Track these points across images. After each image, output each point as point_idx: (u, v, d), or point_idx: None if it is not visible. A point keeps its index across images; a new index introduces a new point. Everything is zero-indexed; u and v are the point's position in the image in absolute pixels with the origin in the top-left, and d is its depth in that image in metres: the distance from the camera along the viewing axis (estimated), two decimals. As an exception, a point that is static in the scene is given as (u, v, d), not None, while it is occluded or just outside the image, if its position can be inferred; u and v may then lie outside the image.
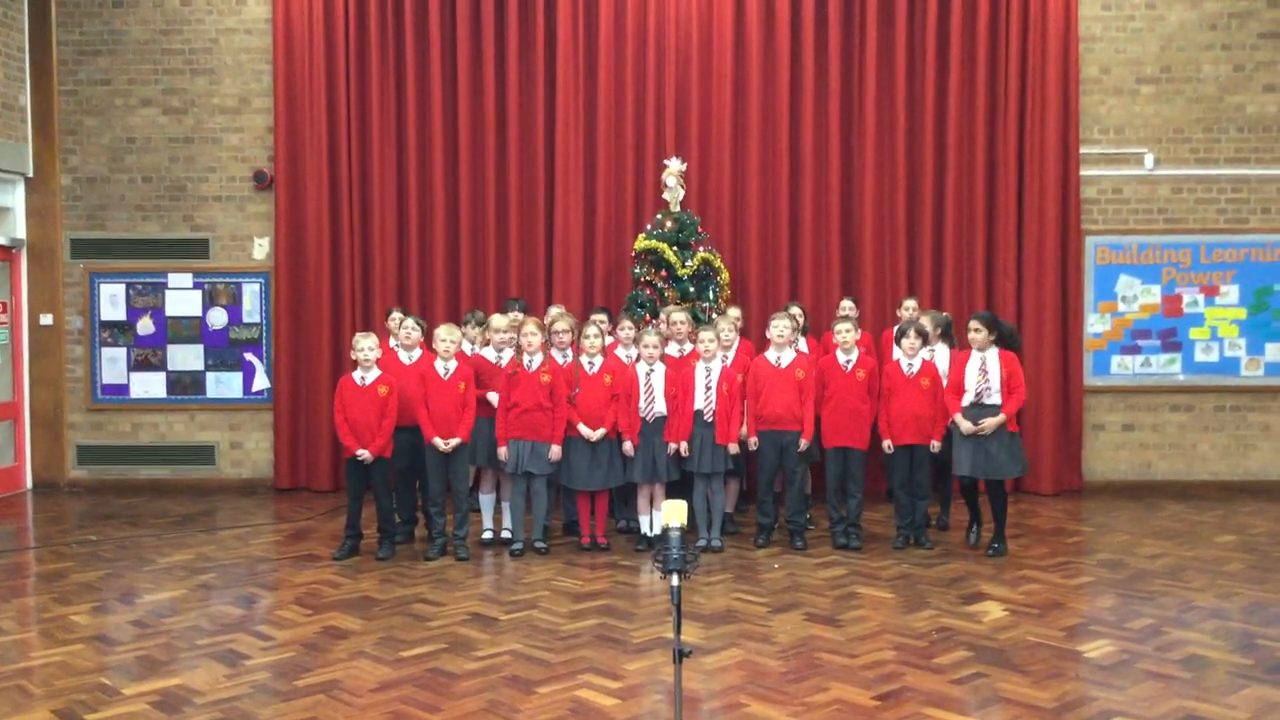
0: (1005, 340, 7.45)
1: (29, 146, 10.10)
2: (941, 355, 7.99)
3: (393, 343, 8.01)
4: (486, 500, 8.04)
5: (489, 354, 7.90)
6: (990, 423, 7.23)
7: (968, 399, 7.34)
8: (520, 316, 8.21)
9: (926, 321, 8.03)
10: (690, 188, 9.54)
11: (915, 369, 7.63)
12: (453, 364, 7.52)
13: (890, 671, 5.30)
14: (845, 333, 7.74)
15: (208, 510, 9.32)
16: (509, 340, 7.80)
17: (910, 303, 8.72)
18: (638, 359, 7.82)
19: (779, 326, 7.70)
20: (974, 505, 7.78)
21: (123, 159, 10.26)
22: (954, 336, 8.27)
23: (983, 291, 9.77)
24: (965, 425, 7.29)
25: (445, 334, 7.56)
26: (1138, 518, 8.84)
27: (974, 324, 7.42)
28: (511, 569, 7.32)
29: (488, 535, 7.99)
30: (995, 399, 7.28)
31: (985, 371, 7.31)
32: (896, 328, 8.11)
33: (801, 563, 7.38)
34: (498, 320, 7.94)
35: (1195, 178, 9.97)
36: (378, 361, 7.55)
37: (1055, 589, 6.75)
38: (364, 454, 7.35)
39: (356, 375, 7.47)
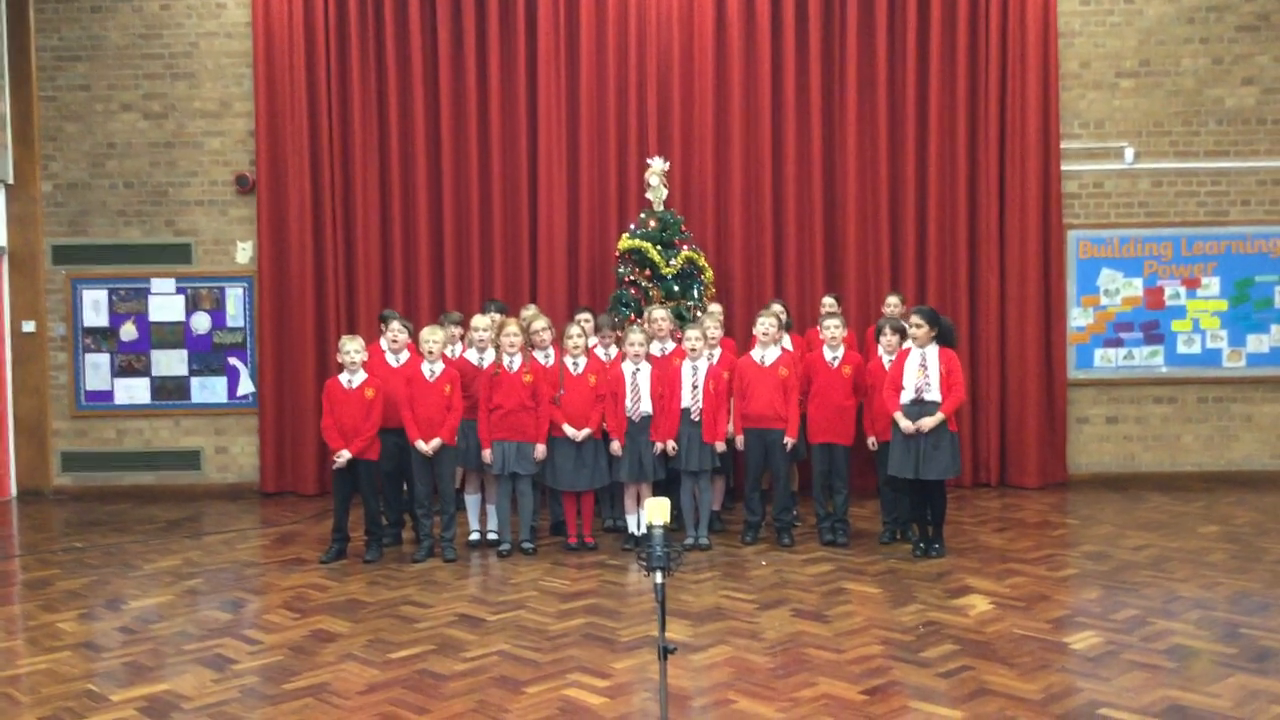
0: (944, 337, 7.31)
1: (9, 153, 10.06)
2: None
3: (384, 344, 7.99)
4: (472, 501, 8.04)
5: (471, 356, 7.89)
6: (928, 422, 7.10)
7: (907, 396, 7.22)
8: (499, 318, 8.20)
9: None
10: (673, 187, 9.55)
11: (892, 366, 7.62)
12: (439, 366, 7.52)
13: (878, 666, 5.32)
14: (833, 329, 7.76)
15: (194, 515, 9.29)
16: (489, 341, 7.79)
17: (893, 299, 8.74)
18: (619, 357, 7.83)
19: (763, 325, 7.71)
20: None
21: (103, 164, 10.22)
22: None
23: (965, 286, 9.81)
24: (905, 424, 7.17)
25: (428, 335, 7.55)
26: (1122, 510, 8.89)
27: (915, 319, 7.29)
28: (499, 570, 7.33)
29: (474, 537, 7.99)
30: (935, 396, 7.15)
31: (925, 368, 7.19)
32: (876, 324, 8.13)
33: (789, 559, 7.40)
34: (478, 321, 7.93)
35: (1175, 171, 10.03)
36: (367, 364, 7.55)
37: (1041, 581, 6.78)
38: (342, 457, 7.33)
39: (343, 378, 7.46)
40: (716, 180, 9.84)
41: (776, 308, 8.30)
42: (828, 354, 7.77)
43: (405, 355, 7.76)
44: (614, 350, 7.98)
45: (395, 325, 7.83)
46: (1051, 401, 9.89)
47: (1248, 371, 10.04)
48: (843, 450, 7.75)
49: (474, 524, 8.04)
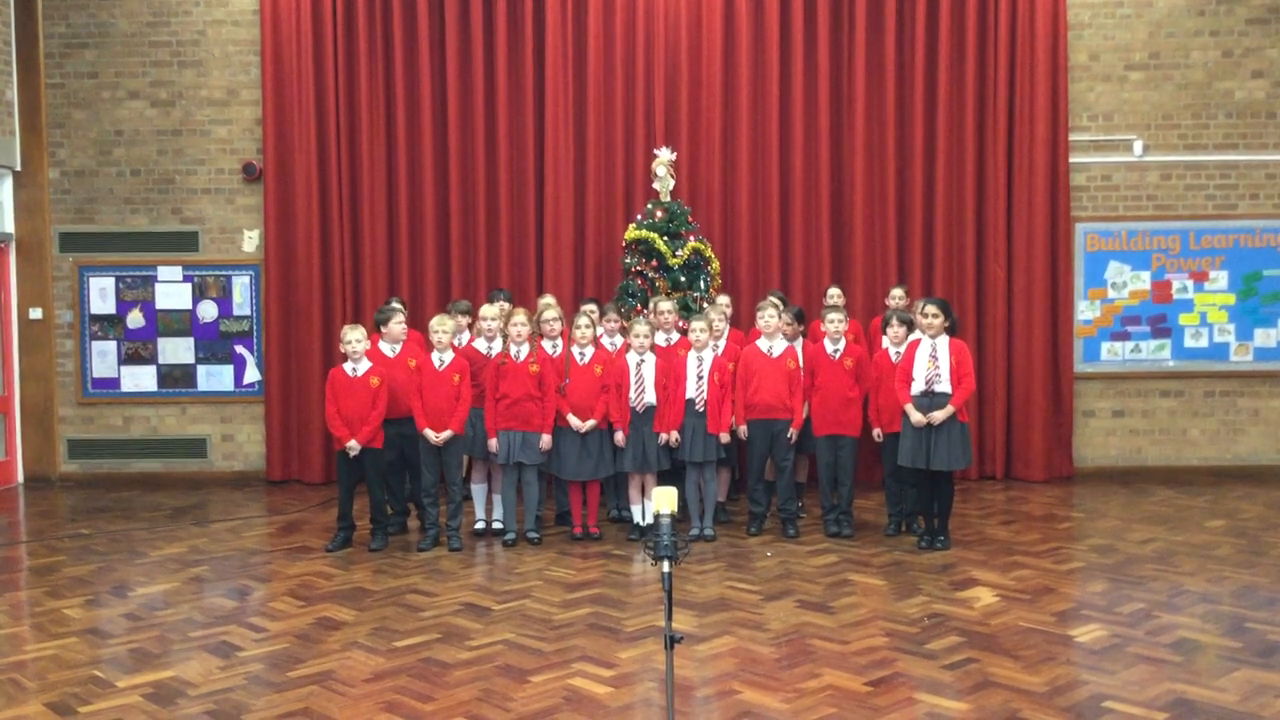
0: (952, 328, 7.32)
1: (16, 140, 10.06)
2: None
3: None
4: (478, 490, 8.04)
5: (479, 345, 7.89)
6: (939, 415, 7.08)
7: (917, 387, 7.20)
8: (506, 307, 8.19)
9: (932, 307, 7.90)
10: (680, 177, 9.53)
11: (902, 357, 7.60)
12: (448, 355, 7.52)
13: (882, 658, 5.32)
14: (836, 322, 7.75)
15: (199, 503, 9.31)
16: (498, 330, 7.79)
17: (898, 291, 8.72)
18: (625, 348, 7.82)
19: (764, 316, 7.71)
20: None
21: (111, 152, 10.22)
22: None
23: (972, 279, 9.79)
24: (915, 416, 7.14)
25: (437, 325, 7.56)
26: (1128, 503, 8.88)
27: (930, 309, 7.25)
28: (504, 559, 7.33)
29: (479, 525, 7.99)
30: (945, 387, 7.13)
31: (935, 359, 7.17)
32: (883, 316, 8.11)
33: (794, 550, 7.40)
34: (486, 310, 7.92)
35: (1184, 164, 10.00)
36: (367, 354, 7.55)
37: (1046, 574, 6.78)
38: (353, 446, 7.35)
39: (347, 367, 7.46)
40: (724, 171, 9.82)
41: (773, 299, 8.26)
42: (829, 347, 7.76)
43: (399, 346, 7.74)
44: (619, 339, 7.96)
45: (395, 317, 7.81)
46: (1058, 394, 9.88)
47: (1255, 365, 10.01)
48: (848, 442, 7.74)
49: (480, 513, 8.05)
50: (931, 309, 7.26)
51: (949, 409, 7.09)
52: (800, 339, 8.05)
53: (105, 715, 4.77)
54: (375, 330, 7.92)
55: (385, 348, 7.76)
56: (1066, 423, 9.92)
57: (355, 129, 9.91)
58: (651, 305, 8.34)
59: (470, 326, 8.29)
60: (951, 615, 5.96)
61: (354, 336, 7.45)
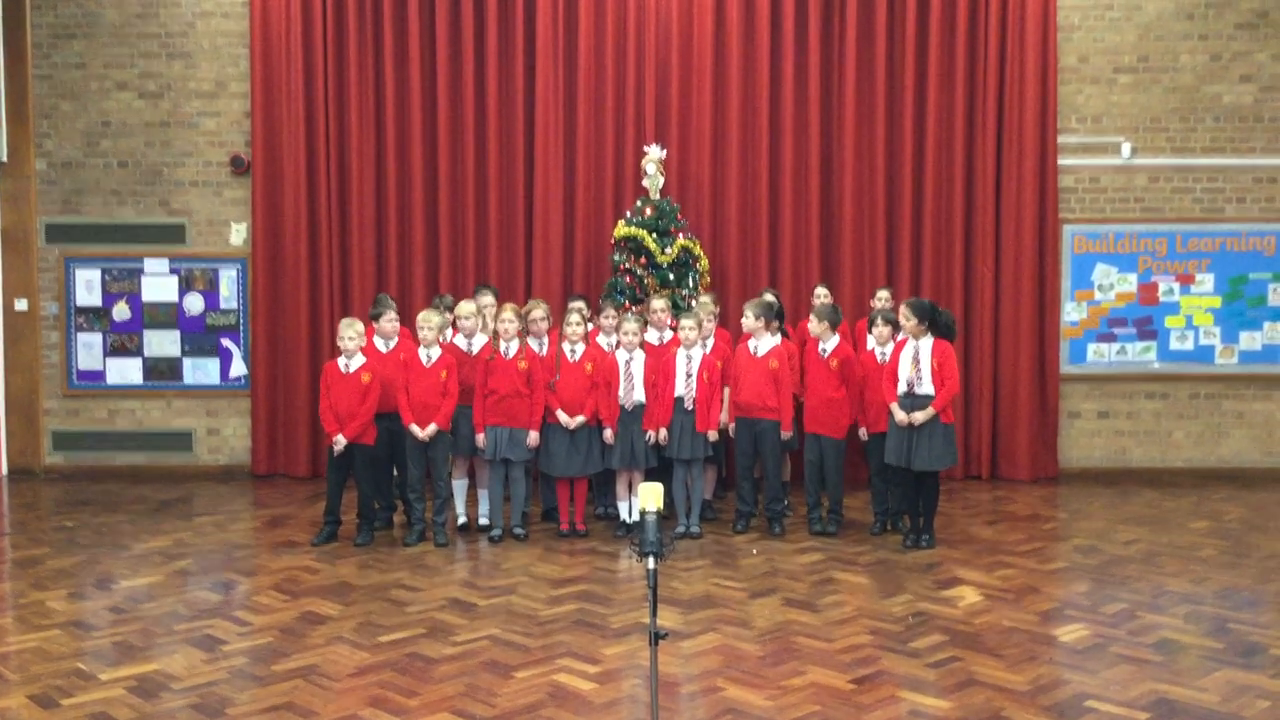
0: (943, 330, 7.34)
1: (3, 130, 9.99)
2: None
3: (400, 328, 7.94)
4: (458, 486, 8.03)
5: (459, 342, 7.85)
6: (919, 416, 7.13)
7: (900, 389, 7.25)
8: (491, 302, 8.18)
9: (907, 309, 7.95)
10: (670, 175, 9.53)
11: (888, 357, 7.63)
12: (435, 351, 7.50)
13: (866, 655, 5.34)
14: (818, 328, 7.75)
15: (185, 496, 9.28)
16: (475, 328, 7.77)
17: (883, 293, 8.73)
18: (618, 346, 7.83)
19: (744, 319, 7.75)
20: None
21: (98, 143, 10.17)
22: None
23: (960, 280, 9.80)
24: (899, 416, 7.20)
25: (425, 320, 7.54)
26: (1112, 504, 8.91)
27: (903, 311, 7.31)
28: (490, 555, 7.33)
29: (462, 521, 7.99)
30: (927, 389, 7.17)
31: (917, 362, 7.21)
32: (868, 317, 8.14)
33: (779, 548, 7.42)
34: (463, 308, 7.89)
35: (1172, 167, 10.03)
36: (361, 349, 7.54)
37: (1030, 574, 6.81)
38: (339, 441, 7.34)
39: (340, 362, 7.45)
40: (713, 169, 9.81)
41: (769, 298, 8.28)
42: (819, 346, 7.77)
43: (395, 341, 7.76)
44: (615, 339, 7.96)
45: (389, 314, 7.81)
46: (1044, 395, 9.91)
47: (1240, 368, 10.06)
48: (834, 441, 7.76)
49: (459, 509, 8.03)
50: (904, 311, 7.32)
51: (929, 411, 7.12)
52: (778, 335, 8.04)
53: (88, 708, 4.76)
54: (369, 324, 7.92)
55: (380, 343, 7.75)
56: (1052, 423, 9.95)
57: (344, 123, 9.88)
58: (646, 303, 8.34)
59: (454, 323, 8.27)
60: (936, 614, 5.98)
61: (352, 332, 7.43)
